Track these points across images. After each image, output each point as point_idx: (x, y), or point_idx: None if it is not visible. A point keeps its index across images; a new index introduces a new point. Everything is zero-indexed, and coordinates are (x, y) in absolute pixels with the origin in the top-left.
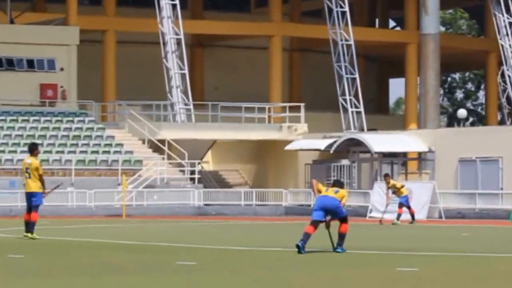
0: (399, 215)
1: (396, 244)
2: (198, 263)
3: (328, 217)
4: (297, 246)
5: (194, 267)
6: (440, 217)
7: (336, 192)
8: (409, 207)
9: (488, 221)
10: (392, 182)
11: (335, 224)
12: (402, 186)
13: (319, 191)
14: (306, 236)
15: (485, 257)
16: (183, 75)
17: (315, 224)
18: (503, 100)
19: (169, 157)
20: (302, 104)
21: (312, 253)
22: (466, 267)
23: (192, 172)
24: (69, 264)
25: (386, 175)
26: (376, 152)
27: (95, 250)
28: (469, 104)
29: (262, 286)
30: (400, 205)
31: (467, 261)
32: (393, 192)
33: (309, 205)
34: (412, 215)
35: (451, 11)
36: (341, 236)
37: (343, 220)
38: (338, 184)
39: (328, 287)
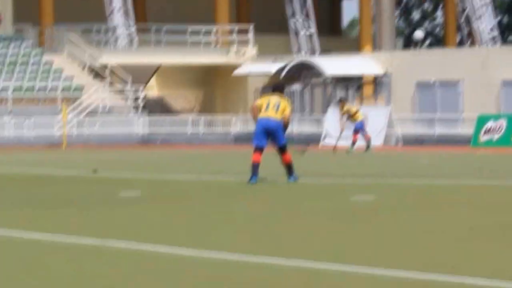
0: (353, 143)
1: (351, 173)
2: (142, 195)
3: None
4: (251, 183)
5: (138, 199)
6: (397, 143)
7: (277, 108)
8: (365, 133)
9: (448, 147)
10: (346, 107)
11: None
12: (357, 111)
13: (259, 109)
14: (255, 168)
15: (445, 186)
16: None
17: (259, 150)
18: (462, 20)
19: (111, 84)
20: (250, 26)
21: (264, 182)
22: (424, 196)
23: (136, 99)
24: (7, 197)
25: (340, 100)
26: (329, 76)
27: (34, 182)
28: (426, 25)
29: (208, 218)
30: (356, 131)
31: (425, 190)
32: (348, 118)
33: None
34: (368, 141)
35: None
36: (288, 166)
37: (283, 149)
38: (278, 89)
39: (280, 220)
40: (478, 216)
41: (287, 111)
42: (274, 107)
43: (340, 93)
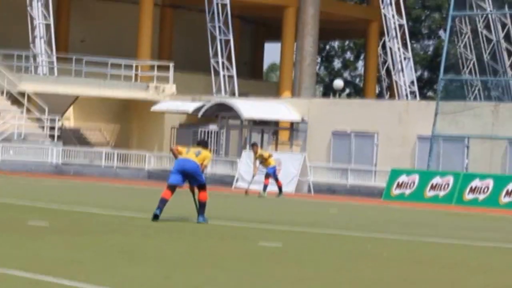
0: (265, 186)
1: (261, 217)
2: (50, 225)
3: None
4: (155, 215)
5: (45, 229)
6: (309, 191)
7: (198, 154)
8: (276, 179)
9: (360, 198)
10: (259, 151)
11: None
12: (270, 156)
13: (180, 153)
14: (163, 203)
15: (352, 236)
16: (47, 26)
17: (171, 188)
18: (383, 72)
19: (28, 111)
20: (171, 64)
21: (172, 221)
22: (331, 245)
23: (52, 128)
24: None
25: (254, 144)
26: (246, 119)
27: None
28: (346, 75)
29: (114, 252)
30: (267, 176)
31: (332, 239)
32: (261, 162)
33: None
34: (280, 188)
35: None
36: (201, 205)
37: (202, 187)
38: (202, 144)
39: (184, 259)
40: (380, 269)
41: (207, 160)
42: (194, 153)
43: (255, 137)
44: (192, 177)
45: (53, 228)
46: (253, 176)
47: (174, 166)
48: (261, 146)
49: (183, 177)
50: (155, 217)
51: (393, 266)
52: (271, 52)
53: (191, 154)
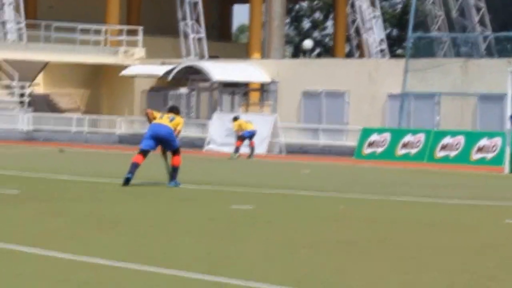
0: (237, 148)
1: (232, 180)
2: (21, 193)
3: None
4: (126, 179)
5: (16, 197)
6: (281, 152)
7: (172, 120)
8: (250, 139)
9: (331, 158)
10: (238, 122)
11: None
12: (249, 123)
13: (154, 118)
14: (134, 167)
15: (324, 197)
16: None
17: (144, 153)
18: (352, 31)
19: None
20: (140, 28)
21: (143, 186)
22: (303, 207)
23: (22, 95)
24: None
25: (235, 118)
26: (216, 81)
27: None
28: (316, 35)
29: (87, 219)
30: (241, 138)
31: (304, 200)
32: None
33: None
34: (252, 149)
35: None
36: (174, 169)
37: (175, 152)
38: (174, 110)
39: (156, 224)
40: (353, 230)
41: (180, 126)
42: (168, 118)
43: (226, 99)
44: (166, 142)
45: (23, 196)
46: (238, 147)
47: (148, 131)
48: (232, 108)
49: (156, 142)
50: (127, 181)
51: (366, 226)
52: (240, 14)
53: (164, 119)
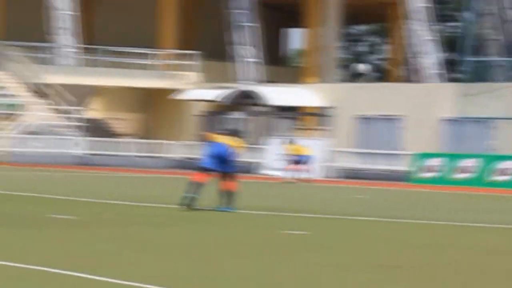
0: (292, 173)
1: (286, 204)
2: (75, 217)
3: None
4: (185, 201)
5: (70, 222)
6: (337, 177)
7: (232, 141)
8: (304, 164)
9: (386, 183)
10: (294, 147)
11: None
12: (304, 148)
13: (213, 138)
14: (195, 186)
15: (378, 221)
16: (72, 16)
17: (204, 171)
18: (408, 55)
19: (53, 103)
20: (195, 52)
21: (196, 211)
22: (356, 231)
23: (77, 119)
24: None
25: (290, 142)
26: (271, 106)
27: None
28: (372, 58)
29: (139, 244)
30: (296, 162)
31: (358, 225)
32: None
33: (199, 159)
34: (306, 173)
35: None
36: (229, 194)
37: (231, 176)
38: (234, 133)
39: (208, 249)
40: (405, 254)
41: (240, 148)
42: (228, 139)
43: (281, 124)
44: (225, 162)
45: (76, 221)
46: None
47: (208, 150)
48: (287, 133)
49: (215, 161)
50: (187, 201)
51: (417, 250)
52: (296, 37)
53: (224, 140)
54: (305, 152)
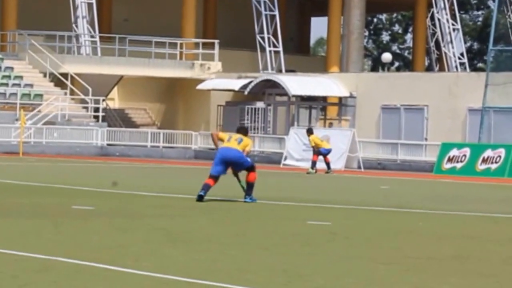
0: (313, 163)
1: (310, 195)
2: (95, 208)
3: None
4: (199, 196)
5: (90, 212)
6: (359, 167)
7: (240, 142)
8: (325, 156)
9: (410, 174)
10: (313, 138)
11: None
12: (324, 142)
13: (221, 140)
14: (207, 187)
15: (402, 212)
16: (90, 5)
17: (214, 178)
18: (432, 44)
19: (72, 93)
20: (216, 41)
21: (219, 202)
22: (381, 222)
23: (96, 110)
24: None
25: (309, 130)
26: (293, 96)
27: None
28: (395, 48)
29: (161, 235)
30: (317, 153)
31: (383, 216)
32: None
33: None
34: (328, 164)
35: None
36: (249, 185)
37: (250, 169)
38: (242, 131)
39: (231, 240)
40: (431, 246)
41: (249, 147)
42: (236, 140)
43: (303, 114)
44: (237, 165)
45: (98, 212)
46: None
47: (217, 155)
48: (309, 123)
49: (226, 166)
50: (200, 197)
51: (445, 242)
52: (318, 26)
53: (232, 142)
54: (325, 146)
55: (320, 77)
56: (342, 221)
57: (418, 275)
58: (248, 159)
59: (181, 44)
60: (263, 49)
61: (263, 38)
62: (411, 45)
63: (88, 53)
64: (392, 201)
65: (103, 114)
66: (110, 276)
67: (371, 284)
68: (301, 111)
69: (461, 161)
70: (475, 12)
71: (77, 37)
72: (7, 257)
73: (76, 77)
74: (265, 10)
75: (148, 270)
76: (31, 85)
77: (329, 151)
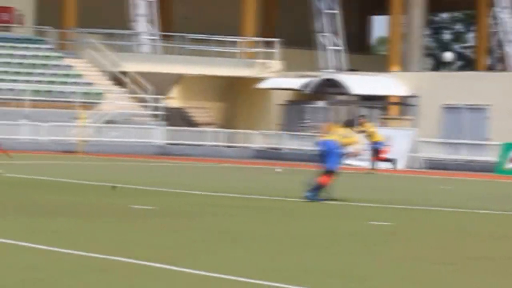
0: (373, 163)
1: (370, 195)
2: (155, 208)
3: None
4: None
5: (150, 212)
6: (421, 167)
7: (344, 136)
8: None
9: (472, 174)
10: (366, 125)
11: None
12: (374, 131)
13: (328, 132)
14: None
15: (462, 213)
16: (150, 3)
17: (327, 173)
18: (494, 43)
19: (132, 91)
20: (276, 40)
21: (280, 202)
22: (441, 223)
23: (156, 108)
24: (16, 204)
25: (361, 116)
26: (354, 95)
27: (45, 189)
28: (457, 47)
29: (220, 234)
30: (375, 152)
31: (443, 216)
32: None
33: (280, 149)
34: (384, 160)
35: None
36: (317, 185)
37: (328, 172)
38: (349, 124)
39: (290, 240)
40: (492, 247)
41: (351, 144)
42: (341, 135)
43: (364, 113)
44: (327, 157)
45: (157, 211)
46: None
47: (318, 148)
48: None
49: (324, 157)
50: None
51: (505, 243)
52: (379, 25)
53: (336, 136)
54: (379, 138)
55: (381, 76)
56: (402, 222)
57: (483, 276)
58: (336, 163)
59: (241, 42)
60: (323, 48)
61: (323, 37)
62: (473, 44)
63: (147, 51)
64: (453, 201)
65: (163, 113)
66: (169, 276)
67: (428, 285)
68: (362, 111)
69: None
70: None
71: (137, 35)
72: (69, 257)
73: (136, 75)
74: (325, 8)
75: (207, 269)
76: (90, 84)
77: (382, 144)
